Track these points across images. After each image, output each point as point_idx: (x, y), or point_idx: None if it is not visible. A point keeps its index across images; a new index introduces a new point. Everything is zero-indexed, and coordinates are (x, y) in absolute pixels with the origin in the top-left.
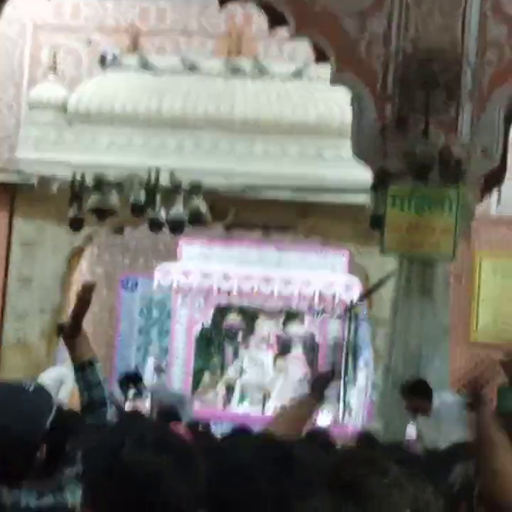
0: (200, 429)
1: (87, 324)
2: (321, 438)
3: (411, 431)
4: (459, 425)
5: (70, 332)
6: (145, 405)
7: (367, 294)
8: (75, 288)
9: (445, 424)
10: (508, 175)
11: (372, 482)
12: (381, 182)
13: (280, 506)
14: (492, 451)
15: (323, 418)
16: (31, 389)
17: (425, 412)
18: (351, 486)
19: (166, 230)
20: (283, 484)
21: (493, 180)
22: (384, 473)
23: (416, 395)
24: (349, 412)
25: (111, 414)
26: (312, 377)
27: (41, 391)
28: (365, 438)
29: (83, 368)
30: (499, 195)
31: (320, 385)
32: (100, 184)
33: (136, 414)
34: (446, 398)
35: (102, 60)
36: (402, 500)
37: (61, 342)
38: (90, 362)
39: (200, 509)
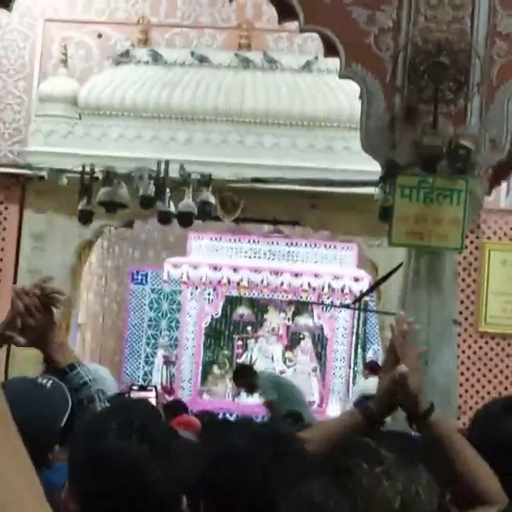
0: (206, 420)
1: (97, 316)
2: None
3: None
4: None
5: (30, 343)
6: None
7: (375, 286)
8: (86, 281)
9: None
10: None
11: (362, 471)
12: (390, 173)
13: (270, 495)
14: (459, 457)
15: (333, 408)
16: (48, 385)
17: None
18: (341, 474)
19: (175, 222)
20: (275, 472)
21: (501, 171)
22: (376, 463)
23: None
24: None
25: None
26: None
27: (58, 388)
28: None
29: (65, 373)
30: (508, 186)
31: (374, 410)
32: (110, 177)
33: (126, 401)
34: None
35: (113, 54)
36: (392, 490)
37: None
38: (71, 366)
39: (180, 496)
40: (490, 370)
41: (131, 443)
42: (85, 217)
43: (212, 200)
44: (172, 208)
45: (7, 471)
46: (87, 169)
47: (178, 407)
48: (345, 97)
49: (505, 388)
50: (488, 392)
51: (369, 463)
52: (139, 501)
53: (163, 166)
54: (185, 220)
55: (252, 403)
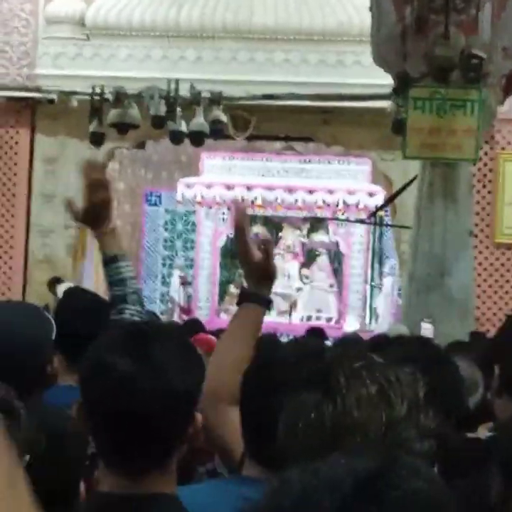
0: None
1: None
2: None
3: (426, 328)
4: None
5: (84, 219)
6: None
7: (390, 200)
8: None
9: None
10: None
11: (343, 366)
12: (402, 86)
13: (261, 403)
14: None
15: (350, 324)
16: (30, 307)
17: None
18: (323, 377)
19: (187, 142)
20: (265, 384)
21: None
22: (356, 359)
23: None
24: (376, 317)
25: (133, 313)
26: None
27: (37, 308)
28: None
29: (107, 263)
30: None
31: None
32: (120, 98)
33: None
34: None
35: None
36: (370, 379)
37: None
38: (115, 258)
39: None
40: (507, 281)
41: (122, 358)
42: (97, 140)
43: (224, 118)
44: (183, 128)
45: None
46: (97, 91)
47: (195, 326)
48: (354, 10)
49: None
50: (506, 303)
51: (348, 360)
52: (128, 412)
53: (173, 85)
54: (197, 139)
55: (269, 320)
